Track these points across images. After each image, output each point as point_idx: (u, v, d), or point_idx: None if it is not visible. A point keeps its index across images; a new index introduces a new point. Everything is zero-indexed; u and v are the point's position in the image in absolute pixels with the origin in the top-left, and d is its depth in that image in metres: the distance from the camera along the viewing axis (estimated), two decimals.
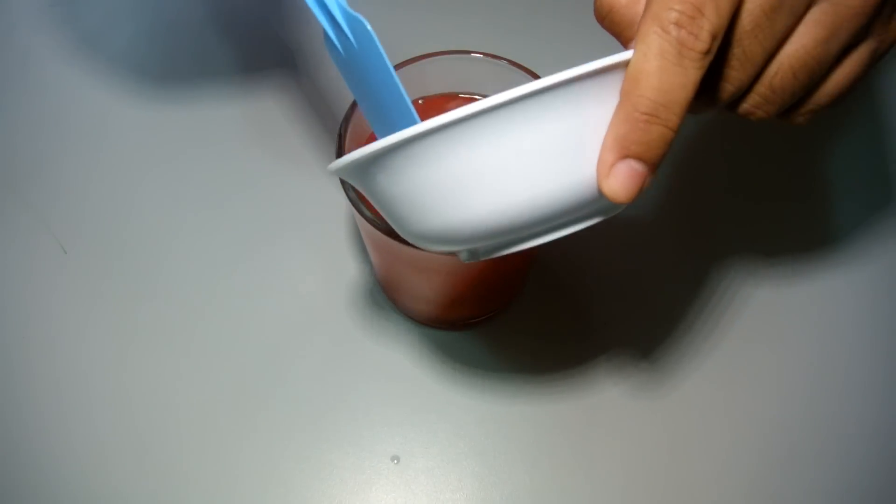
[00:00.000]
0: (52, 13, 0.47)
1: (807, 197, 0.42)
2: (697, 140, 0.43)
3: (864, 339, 0.37)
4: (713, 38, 0.19)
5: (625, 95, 0.20)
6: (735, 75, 0.21)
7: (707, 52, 0.19)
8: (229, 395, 0.35)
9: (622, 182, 0.20)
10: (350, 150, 0.30)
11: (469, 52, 0.32)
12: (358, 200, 0.28)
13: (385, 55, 0.23)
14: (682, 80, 0.19)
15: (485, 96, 0.27)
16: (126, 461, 0.34)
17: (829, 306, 0.38)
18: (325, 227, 0.39)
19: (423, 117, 0.29)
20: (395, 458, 0.34)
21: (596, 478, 0.34)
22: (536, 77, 0.30)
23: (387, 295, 0.37)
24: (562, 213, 0.21)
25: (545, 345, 0.37)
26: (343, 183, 0.28)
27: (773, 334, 0.37)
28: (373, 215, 0.28)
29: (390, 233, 0.27)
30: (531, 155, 0.20)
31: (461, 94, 0.34)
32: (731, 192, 0.42)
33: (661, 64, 0.19)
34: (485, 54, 0.32)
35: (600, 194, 0.21)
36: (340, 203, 0.40)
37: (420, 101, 0.34)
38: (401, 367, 0.36)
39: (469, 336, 0.37)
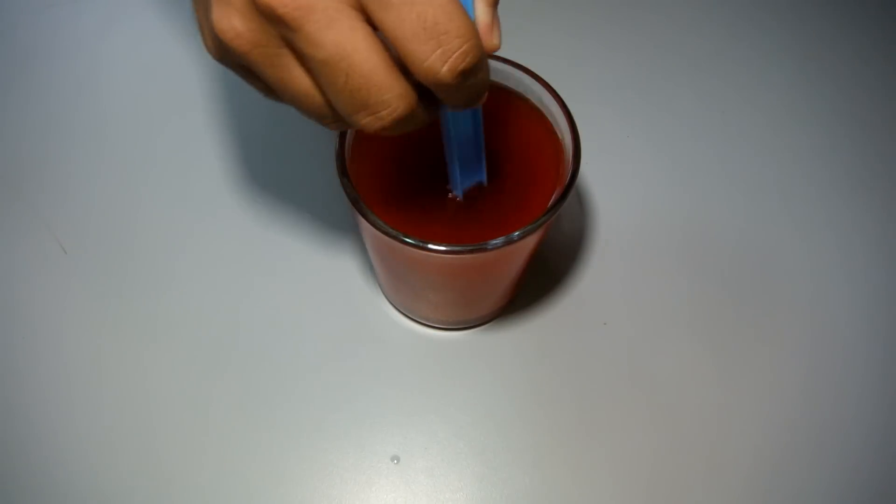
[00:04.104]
0: (52, 13, 0.47)
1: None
2: (694, 142, 0.43)
3: (863, 337, 0.37)
4: None
5: None
6: None
7: None
8: (230, 395, 0.35)
9: None
10: (349, 152, 0.30)
11: None
12: (358, 200, 0.27)
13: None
14: None
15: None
16: (126, 460, 0.34)
17: (826, 306, 0.38)
18: (326, 227, 0.40)
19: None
20: (395, 458, 0.34)
21: (595, 478, 0.34)
22: (535, 76, 0.30)
23: (387, 295, 0.37)
24: None
25: (544, 345, 0.37)
26: (343, 182, 0.28)
27: (774, 335, 0.37)
28: (373, 215, 0.27)
29: (390, 233, 0.27)
30: None
31: None
32: (729, 190, 0.42)
33: None
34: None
35: None
36: (340, 202, 0.40)
37: None
38: (401, 367, 0.36)
39: (469, 336, 0.37)
